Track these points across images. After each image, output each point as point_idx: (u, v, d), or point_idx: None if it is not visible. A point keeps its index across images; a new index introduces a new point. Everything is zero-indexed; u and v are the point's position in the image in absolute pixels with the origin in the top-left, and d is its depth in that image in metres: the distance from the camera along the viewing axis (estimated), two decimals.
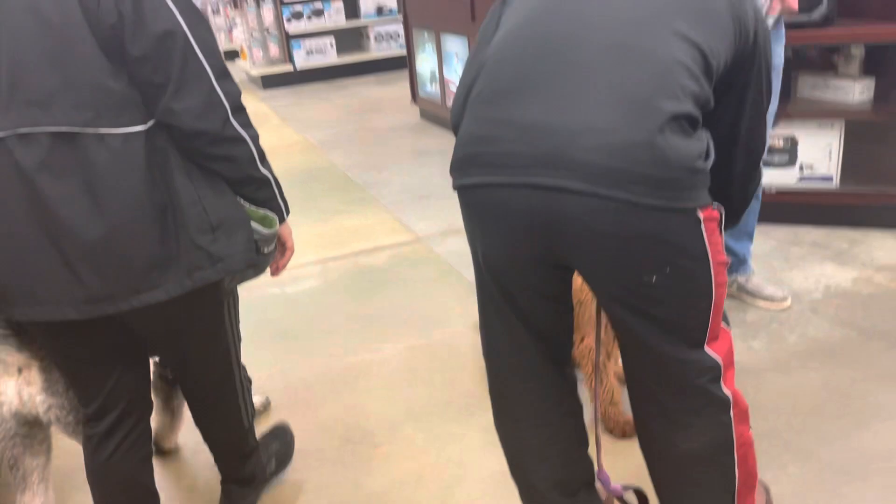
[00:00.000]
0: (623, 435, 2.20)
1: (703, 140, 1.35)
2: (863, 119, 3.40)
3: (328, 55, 8.33)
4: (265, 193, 1.61)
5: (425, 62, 6.09)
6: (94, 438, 1.70)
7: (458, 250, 3.71)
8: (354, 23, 8.50)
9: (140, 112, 1.39)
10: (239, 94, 1.49)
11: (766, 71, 1.48)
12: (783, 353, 2.56)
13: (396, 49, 8.49)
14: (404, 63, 7.86)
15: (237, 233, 1.52)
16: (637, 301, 1.37)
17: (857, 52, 3.41)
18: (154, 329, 1.61)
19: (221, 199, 1.51)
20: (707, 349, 1.43)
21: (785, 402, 2.31)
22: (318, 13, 8.25)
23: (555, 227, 1.34)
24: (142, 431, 1.76)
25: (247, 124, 1.51)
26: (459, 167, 1.45)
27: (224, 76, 1.45)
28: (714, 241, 1.36)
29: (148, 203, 1.39)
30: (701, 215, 1.33)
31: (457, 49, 5.45)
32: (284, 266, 1.79)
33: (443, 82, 5.79)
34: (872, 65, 3.43)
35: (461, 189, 1.46)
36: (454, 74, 5.59)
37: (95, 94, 1.34)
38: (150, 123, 1.40)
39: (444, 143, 5.65)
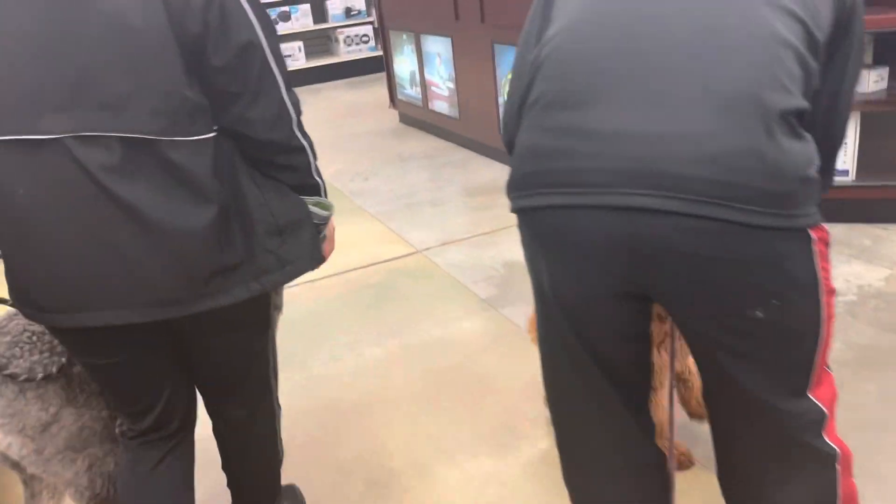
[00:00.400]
0: (681, 468, 2.01)
1: (811, 141, 1.15)
2: (878, 110, 3.27)
3: (297, 60, 8.05)
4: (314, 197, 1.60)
5: (404, 64, 5.86)
6: (137, 449, 1.62)
7: (459, 262, 3.50)
8: (322, 26, 8.25)
9: (208, 119, 1.35)
10: (300, 102, 1.47)
11: (862, 31, 1.27)
12: (831, 363, 2.40)
13: (367, 52, 8.26)
14: (376, 66, 7.64)
15: (303, 233, 1.49)
16: (736, 340, 1.18)
17: (869, 40, 3.29)
18: (205, 337, 1.53)
19: (286, 201, 1.48)
20: (811, 396, 1.25)
21: (842, 419, 2.14)
22: (285, 17, 7.97)
23: (643, 255, 1.14)
24: (188, 445, 1.68)
25: (305, 133, 1.48)
26: (521, 186, 1.24)
27: (289, 86, 1.43)
28: (825, 265, 1.18)
29: (222, 207, 1.36)
30: (814, 235, 1.14)
31: (439, 49, 5.24)
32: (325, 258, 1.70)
33: (424, 84, 5.58)
34: (885, 53, 3.31)
35: (524, 212, 1.26)
36: (437, 76, 5.38)
37: (172, 101, 1.30)
38: (216, 129, 1.36)
39: (427, 148, 5.44)
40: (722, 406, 1.28)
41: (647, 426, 1.42)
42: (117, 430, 1.67)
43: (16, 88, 1.28)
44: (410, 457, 2.23)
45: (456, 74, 5.10)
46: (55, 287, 1.36)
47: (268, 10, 5.92)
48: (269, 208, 1.43)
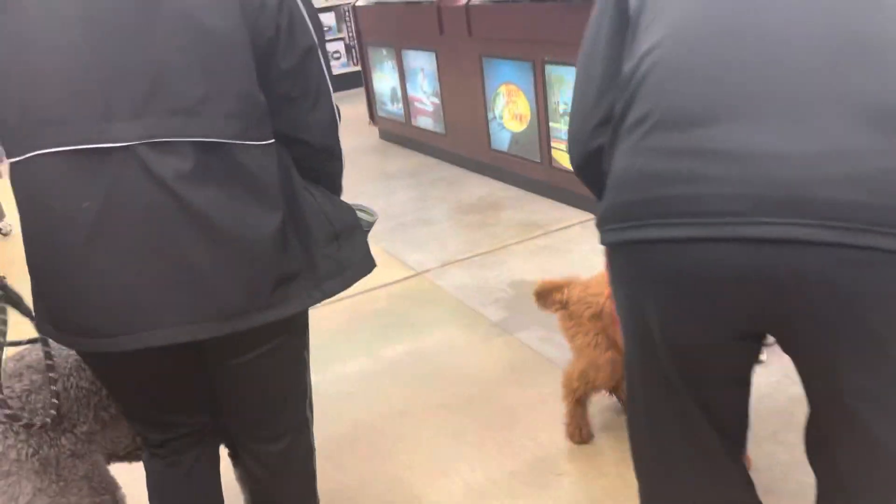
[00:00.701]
0: None
1: None
2: None
3: None
4: None
5: (384, 80, 5.72)
6: (165, 456, 1.56)
7: (463, 283, 3.35)
8: None
9: (270, 124, 1.32)
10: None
11: None
12: None
13: (339, 68, 8.10)
14: (349, 82, 7.49)
15: (357, 238, 1.48)
16: (881, 388, 1.04)
17: None
18: (245, 357, 1.43)
19: (338, 207, 1.47)
20: None
21: None
22: None
23: (785, 293, 1.00)
24: (215, 446, 1.65)
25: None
26: (624, 216, 1.10)
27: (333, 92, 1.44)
28: None
29: (284, 213, 1.33)
30: None
31: (422, 64, 5.11)
32: None
33: (406, 100, 5.44)
34: None
35: (628, 245, 1.11)
36: (420, 91, 5.25)
37: (245, 104, 1.27)
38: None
39: (412, 165, 5.30)
40: (842, 456, 1.15)
41: (746, 476, 1.29)
42: (139, 440, 1.61)
43: (82, 93, 1.19)
44: (439, 501, 2.07)
45: (441, 89, 4.98)
46: (116, 306, 1.26)
47: None
48: (325, 214, 1.41)
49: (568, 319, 2.18)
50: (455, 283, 3.39)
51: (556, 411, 2.32)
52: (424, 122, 5.33)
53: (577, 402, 2.22)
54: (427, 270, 3.56)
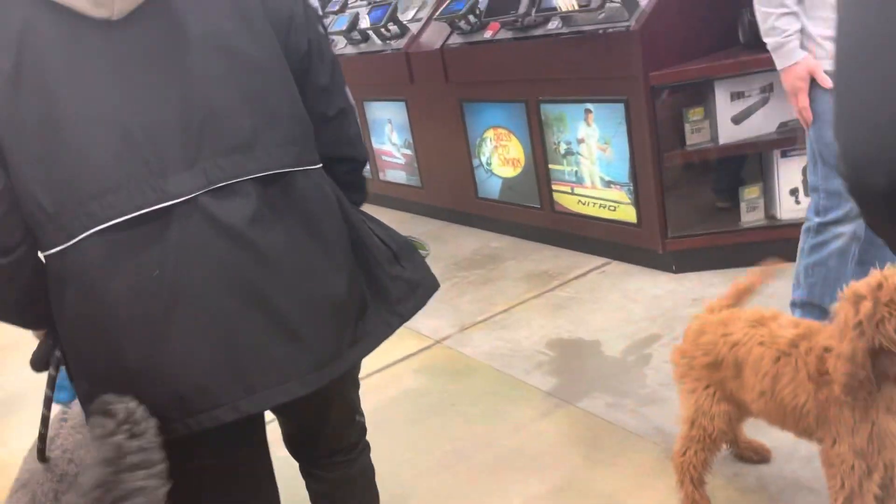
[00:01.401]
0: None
1: None
2: None
3: None
4: None
5: None
6: None
7: (493, 349, 2.99)
8: None
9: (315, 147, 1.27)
10: None
11: None
12: None
13: None
14: None
15: (416, 255, 1.44)
16: None
17: None
18: (329, 396, 1.37)
19: (386, 227, 1.42)
20: None
21: None
22: None
23: None
24: None
25: None
26: None
27: None
28: None
29: (348, 241, 1.28)
30: None
31: (390, 115, 4.80)
32: None
33: (373, 154, 5.10)
34: None
35: None
36: (389, 144, 4.93)
37: (297, 128, 1.21)
38: None
39: (387, 222, 4.93)
40: None
41: None
42: None
43: (128, 152, 1.07)
44: None
45: (414, 140, 4.67)
46: (210, 376, 1.12)
47: None
48: (378, 236, 1.35)
49: (680, 357, 1.89)
50: (483, 349, 3.02)
51: (664, 491, 1.98)
52: (395, 175, 4.99)
53: (693, 482, 1.89)
54: (446, 337, 3.18)
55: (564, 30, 3.42)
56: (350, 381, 1.47)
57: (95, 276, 1.08)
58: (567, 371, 2.74)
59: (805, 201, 3.16)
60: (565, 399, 2.56)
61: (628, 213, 3.42)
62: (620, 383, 2.58)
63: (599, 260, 3.65)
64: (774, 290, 2.99)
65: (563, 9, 3.24)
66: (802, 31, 2.11)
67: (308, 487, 1.58)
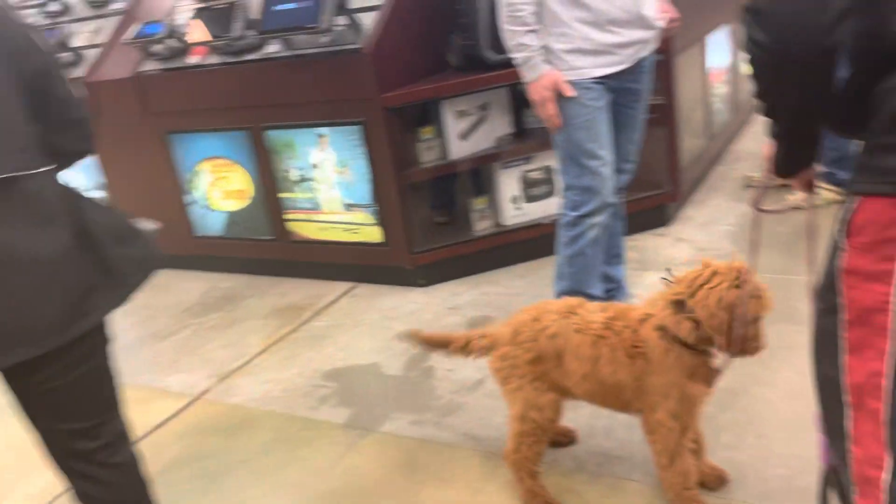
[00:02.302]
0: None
1: None
2: None
3: None
4: None
5: None
6: None
7: (265, 393, 2.76)
8: None
9: (49, 148, 1.47)
10: None
11: None
12: None
13: None
14: None
15: (139, 236, 1.59)
16: None
17: None
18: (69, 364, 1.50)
19: (110, 211, 1.63)
20: None
21: None
22: None
23: None
24: None
25: None
26: None
27: None
28: None
29: (73, 229, 1.45)
30: None
31: None
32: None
33: None
34: None
35: None
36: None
37: (25, 138, 1.41)
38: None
39: None
40: None
41: None
42: None
43: None
44: None
45: (109, 181, 4.12)
46: None
47: None
48: (105, 220, 1.52)
49: (501, 361, 1.93)
50: (254, 395, 2.77)
51: (497, 492, 2.02)
52: None
53: (531, 475, 1.96)
54: (205, 391, 2.85)
55: (286, 53, 3.33)
56: (94, 366, 1.56)
57: None
58: (356, 399, 2.64)
59: (525, 207, 3.50)
60: (366, 427, 2.46)
61: (373, 234, 3.43)
62: (414, 400, 2.56)
63: (345, 285, 3.60)
64: (519, 289, 3.26)
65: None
66: (545, 47, 2.33)
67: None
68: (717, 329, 1.65)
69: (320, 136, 3.38)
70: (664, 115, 3.45)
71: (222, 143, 3.68)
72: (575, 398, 1.94)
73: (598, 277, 2.60)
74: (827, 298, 1.21)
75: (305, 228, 3.62)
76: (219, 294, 3.77)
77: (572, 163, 2.43)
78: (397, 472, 2.21)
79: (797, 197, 3.63)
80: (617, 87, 2.42)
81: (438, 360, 2.79)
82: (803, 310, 2.62)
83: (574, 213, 2.49)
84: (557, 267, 2.62)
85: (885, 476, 1.16)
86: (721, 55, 4.36)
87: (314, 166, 3.46)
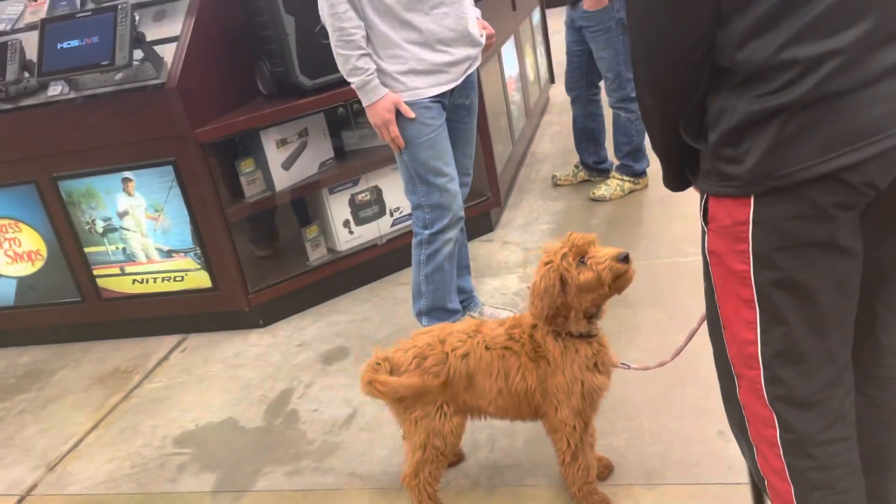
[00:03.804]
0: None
1: None
2: None
3: None
4: None
5: None
6: None
7: (107, 475, 2.45)
8: None
9: None
10: None
11: None
12: None
13: None
14: None
15: None
16: None
17: None
18: None
19: None
20: None
21: None
22: None
23: None
24: None
25: None
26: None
27: None
28: None
29: None
30: None
31: None
32: None
33: None
34: None
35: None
36: None
37: None
38: None
39: None
40: None
41: None
42: None
43: None
44: None
45: None
46: None
47: None
48: None
49: (402, 392, 1.87)
50: (96, 478, 2.44)
51: None
52: None
53: (431, 497, 1.93)
54: (34, 486, 2.47)
55: (73, 95, 2.99)
56: None
57: None
58: (219, 460, 2.43)
59: (357, 230, 3.45)
60: (238, 489, 2.27)
61: (200, 279, 3.19)
62: (285, 449, 2.41)
63: (173, 338, 3.32)
64: (367, 314, 3.20)
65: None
66: (379, 70, 2.31)
67: None
68: (538, 316, 1.75)
69: (125, 180, 3.08)
70: (479, 126, 3.57)
71: (4, 199, 3.22)
72: (484, 417, 1.93)
73: (454, 291, 2.63)
74: (707, 278, 1.33)
75: (119, 283, 3.28)
76: (20, 372, 3.29)
77: (420, 182, 2.43)
78: None
79: (601, 191, 3.97)
80: (449, 104, 2.47)
81: (300, 402, 2.65)
82: (635, 294, 2.87)
83: (427, 232, 2.49)
84: (414, 287, 2.61)
85: (777, 432, 1.29)
86: (511, 65, 4.62)
87: (122, 214, 3.14)
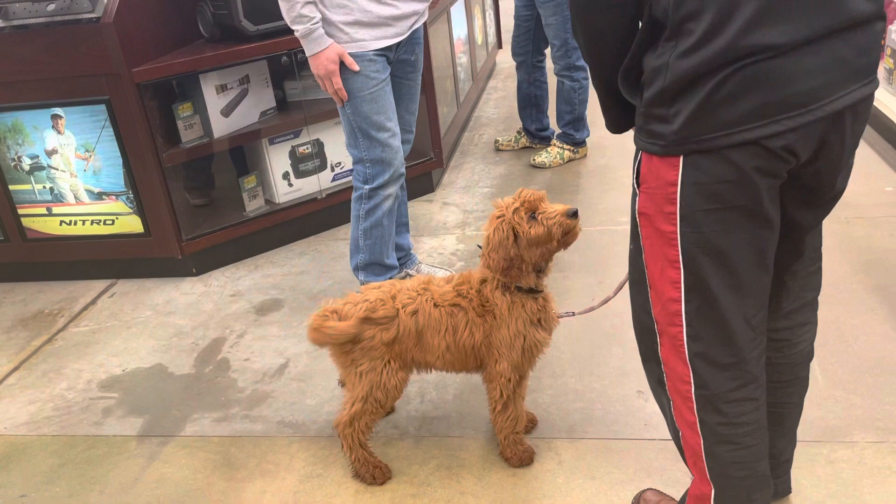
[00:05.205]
0: (521, 464, 2.00)
1: None
2: None
3: None
4: None
5: None
6: None
7: (29, 416, 2.41)
8: None
9: None
10: None
11: None
12: None
13: None
14: None
15: None
16: None
17: None
18: None
19: None
20: None
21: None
22: None
23: None
24: None
25: None
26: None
27: None
28: None
29: None
30: None
31: None
32: None
33: None
34: None
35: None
36: None
37: None
38: None
39: None
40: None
41: None
42: None
43: None
44: None
45: None
46: None
47: None
48: None
49: (349, 343, 1.88)
50: (18, 419, 2.39)
51: (336, 477, 2.00)
52: None
53: (362, 445, 1.96)
54: None
55: (2, 24, 2.84)
56: None
57: None
58: (146, 405, 2.41)
59: (297, 183, 3.42)
60: (165, 434, 2.26)
61: (132, 224, 3.11)
62: (215, 397, 2.41)
63: (101, 283, 3.24)
64: (303, 267, 3.18)
65: None
66: (324, 19, 2.28)
67: None
68: (494, 268, 1.79)
69: (55, 116, 2.96)
70: (424, 85, 3.56)
71: None
72: (430, 370, 1.97)
73: (392, 247, 2.64)
74: (635, 239, 1.39)
75: (45, 224, 3.17)
76: None
77: (362, 136, 2.42)
78: (214, 474, 2.08)
79: (542, 157, 4.02)
80: (395, 58, 2.45)
81: (232, 351, 2.64)
82: (568, 259, 2.95)
83: (368, 186, 2.49)
84: (352, 241, 2.61)
85: (692, 388, 1.37)
86: (460, 26, 4.60)
87: (51, 152, 3.03)
